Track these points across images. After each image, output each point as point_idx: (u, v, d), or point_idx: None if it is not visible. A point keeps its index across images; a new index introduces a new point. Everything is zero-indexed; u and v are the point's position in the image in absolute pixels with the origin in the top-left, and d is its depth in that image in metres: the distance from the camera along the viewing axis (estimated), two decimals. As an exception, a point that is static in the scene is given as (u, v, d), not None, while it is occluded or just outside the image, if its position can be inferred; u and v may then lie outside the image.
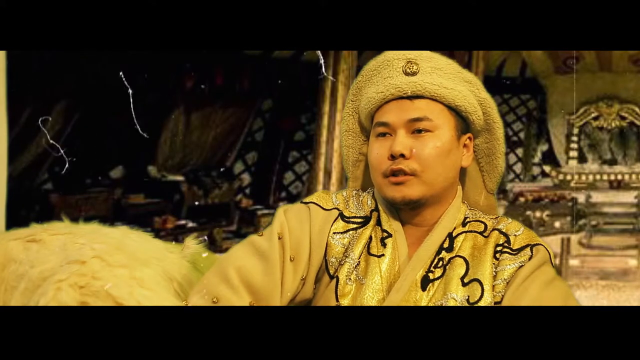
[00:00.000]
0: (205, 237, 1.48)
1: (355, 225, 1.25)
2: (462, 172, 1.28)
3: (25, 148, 5.72)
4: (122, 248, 1.24)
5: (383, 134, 1.22)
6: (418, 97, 1.21)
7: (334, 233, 1.24)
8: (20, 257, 1.23)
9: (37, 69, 4.78)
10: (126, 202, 6.33)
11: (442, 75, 1.22)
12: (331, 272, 1.22)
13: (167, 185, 6.81)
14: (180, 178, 6.95)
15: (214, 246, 6.31)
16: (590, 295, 5.62)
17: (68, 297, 1.13)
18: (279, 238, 1.21)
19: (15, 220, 1.36)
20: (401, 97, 1.21)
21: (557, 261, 5.89)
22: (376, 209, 1.27)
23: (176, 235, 6.08)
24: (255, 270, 1.19)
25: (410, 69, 1.21)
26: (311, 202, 1.27)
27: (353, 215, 1.26)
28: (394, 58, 1.23)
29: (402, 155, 1.18)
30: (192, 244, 1.38)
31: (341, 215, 1.26)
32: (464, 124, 1.24)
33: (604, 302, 5.40)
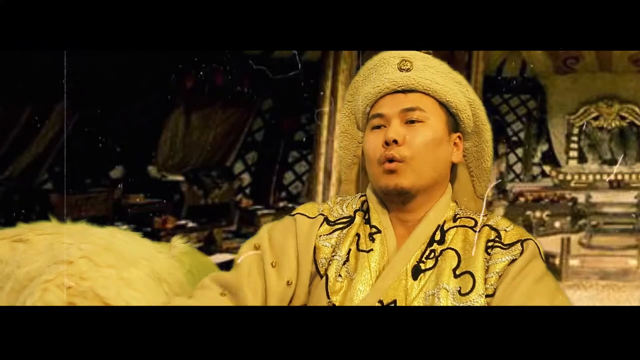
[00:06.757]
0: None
1: (340, 226, 1.30)
2: (453, 177, 1.33)
3: (25, 148, 5.71)
4: (110, 248, 1.24)
5: (378, 126, 1.27)
6: (412, 91, 1.27)
7: (320, 236, 1.29)
8: (6, 257, 1.22)
9: (37, 69, 4.78)
10: (126, 202, 6.32)
11: (434, 73, 1.28)
12: (321, 272, 1.26)
13: (167, 185, 6.81)
14: (180, 178, 6.95)
15: (214, 246, 6.31)
16: (590, 295, 5.62)
17: (55, 298, 1.13)
18: (256, 248, 1.28)
19: (15, 220, 1.35)
20: (396, 92, 1.27)
21: (557, 261, 5.89)
22: (361, 209, 1.32)
23: (176, 236, 6.04)
24: (227, 274, 1.27)
25: (404, 65, 1.28)
26: (297, 213, 1.33)
27: (337, 218, 1.32)
28: (389, 56, 1.30)
29: (395, 142, 1.23)
30: (179, 243, 1.38)
31: (326, 220, 1.31)
32: (454, 121, 1.30)
33: (604, 302, 5.39)
